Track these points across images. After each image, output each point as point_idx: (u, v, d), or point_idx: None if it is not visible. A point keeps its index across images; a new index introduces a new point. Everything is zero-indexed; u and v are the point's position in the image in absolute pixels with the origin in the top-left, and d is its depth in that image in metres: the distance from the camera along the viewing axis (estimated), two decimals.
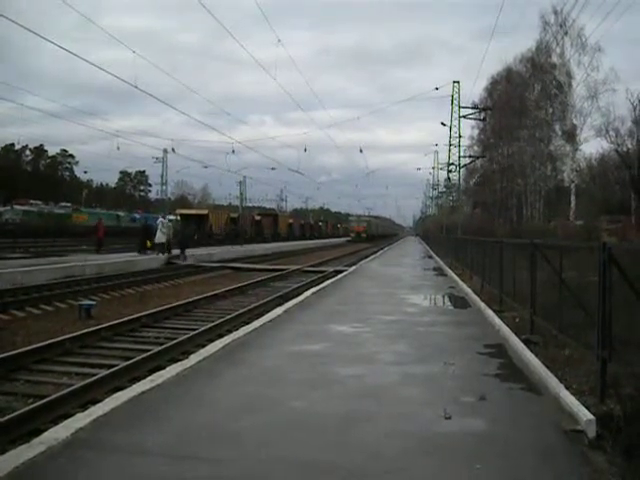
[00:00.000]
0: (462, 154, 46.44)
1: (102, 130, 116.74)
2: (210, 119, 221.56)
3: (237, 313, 12.14)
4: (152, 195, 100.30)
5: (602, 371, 5.01)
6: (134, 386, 5.61)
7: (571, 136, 34.77)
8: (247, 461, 3.84)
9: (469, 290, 14.36)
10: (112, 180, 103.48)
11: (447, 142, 47.96)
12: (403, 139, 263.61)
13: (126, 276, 19.18)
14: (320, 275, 21.61)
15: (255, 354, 7.07)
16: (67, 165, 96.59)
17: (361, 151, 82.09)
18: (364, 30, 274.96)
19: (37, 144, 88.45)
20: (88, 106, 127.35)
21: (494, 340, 8.16)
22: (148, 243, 27.58)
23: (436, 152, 63.76)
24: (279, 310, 10.67)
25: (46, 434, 4.19)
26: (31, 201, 49.86)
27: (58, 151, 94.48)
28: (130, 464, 3.78)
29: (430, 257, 34.71)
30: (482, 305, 11.54)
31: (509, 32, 76.97)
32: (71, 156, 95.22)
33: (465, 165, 48.05)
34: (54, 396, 6.18)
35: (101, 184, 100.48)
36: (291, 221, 73.39)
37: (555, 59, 35.45)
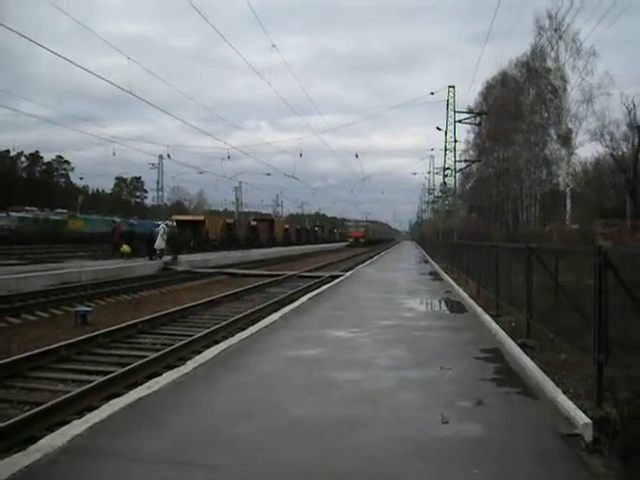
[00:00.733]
0: (458, 158, 46.58)
1: (98, 136, 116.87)
2: (206, 125, 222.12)
3: (233, 319, 12.11)
4: (148, 201, 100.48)
5: (598, 375, 5.02)
6: (131, 392, 5.59)
7: (566, 140, 34.91)
8: (244, 467, 3.83)
9: (465, 295, 14.37)
10: (108, 186, 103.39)
11: (443, 147, 48.02)
12: (398, 144, 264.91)
13: (122, 282, 19.13)
14: (316, 280, 21.59)
15: (252, 360, 7.05)
16: (63, 171, 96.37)
17: (357, 156, 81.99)
18: (360, 35, 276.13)
19: (32, 150, 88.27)
20: (84, 112, 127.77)
21: (491, 344, 8.16)
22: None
23: (432, 157, 63.90)
24: (275, 316, 10.66)
25: (42, 441, 4.17)
26: (27, 208, 49.63)
27: (54, 157, 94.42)
28: (127, 471, 3.77)
29: (426, 262, 34.74)
30: (478, 309, 11.55)
31: (504, 36, 77.25)
32: (67, 162, 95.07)
33: (461, 169, 48.16)
34: (50, 403, 6.16)
35: (97, 190, 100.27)
36: (287, 226, 73.61)
37: (550, 63, 35.66)
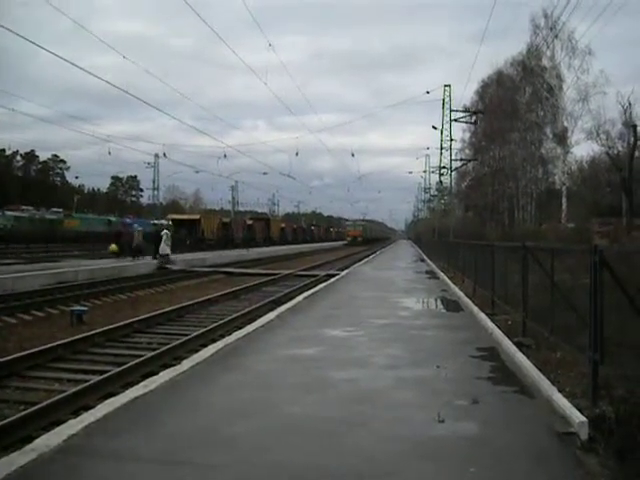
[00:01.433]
0: (454, 157, 46.57)
1: (93, 135, 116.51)
2: (203, 124, 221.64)
3: (230, 318, 12.11)
4: (144, 200, 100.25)
5: (594, 373, 5.03)
6: (127, 392, 5.59)
7: (562, 139, 34.92)
8: (242, 466, 3.83)
9: (461, 293, 14.39)
10: (103, 185, 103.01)
11: (439, 145, 48.09)
12: (395, 143, 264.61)
13: (118, 281, 19.09)
14: (313, 279, 21.58)
15: (248, 359, 7.05)
16: (58, 170, 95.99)
17: (353, 155, 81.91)
18: (358, 34, 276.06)
19: (28, 149, 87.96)
20: (80, 111, 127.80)
21: (487, 343, 8.18)
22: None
23: (427, 155, 64.13)
24: (272, 315, 10.66)
25: (38, 441, 4.16)
26: (22, 207, 49.58)
27: (49, 156, 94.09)
28: (124, 470, 3.76)
29: (422, 260, 34.79)
30: (474, 308, 11.57)
31: (501, 35, 77.59)
32: (62, 161, 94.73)
33: (457, 168, 48.16)
34: (46, 403, 6.14)
35: (93, 189, 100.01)
36: (283, 225, 73.82)
37: (546, 62, 35.63)
